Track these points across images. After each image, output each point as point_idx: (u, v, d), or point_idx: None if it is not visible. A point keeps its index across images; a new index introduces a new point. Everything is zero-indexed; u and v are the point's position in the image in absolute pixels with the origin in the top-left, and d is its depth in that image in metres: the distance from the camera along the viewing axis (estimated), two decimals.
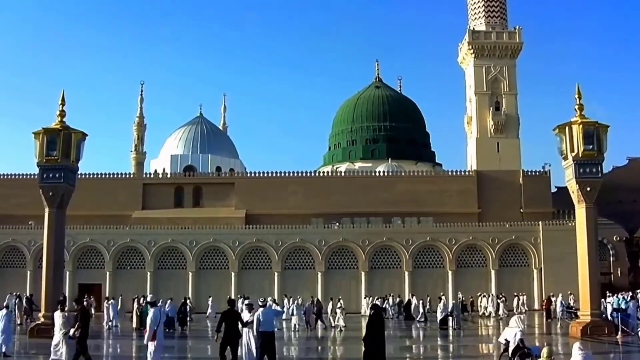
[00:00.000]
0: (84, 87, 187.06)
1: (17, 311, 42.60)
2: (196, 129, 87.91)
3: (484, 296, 53.59)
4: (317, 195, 67.49)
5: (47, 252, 31.65)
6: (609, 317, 34.67)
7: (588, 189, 31.89)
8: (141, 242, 60.16)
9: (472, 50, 79.91)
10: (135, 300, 42.06)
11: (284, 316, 41.71)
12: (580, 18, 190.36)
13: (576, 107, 32.94)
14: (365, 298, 52.68)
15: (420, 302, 47.77)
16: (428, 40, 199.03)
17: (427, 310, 46.77)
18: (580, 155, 31.93)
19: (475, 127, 79.10)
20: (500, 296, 52.10)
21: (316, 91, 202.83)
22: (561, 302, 47.14)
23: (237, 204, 68.24)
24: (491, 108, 78.59)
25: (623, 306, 36.72)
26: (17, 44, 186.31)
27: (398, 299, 52.79)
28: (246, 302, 21.80)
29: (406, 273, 59.48)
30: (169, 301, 40.27)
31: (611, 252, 74.93)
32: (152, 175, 78.24)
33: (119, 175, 71.35)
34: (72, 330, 19.48)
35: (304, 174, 71.56)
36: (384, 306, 49.20)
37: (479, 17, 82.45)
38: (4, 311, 24.45)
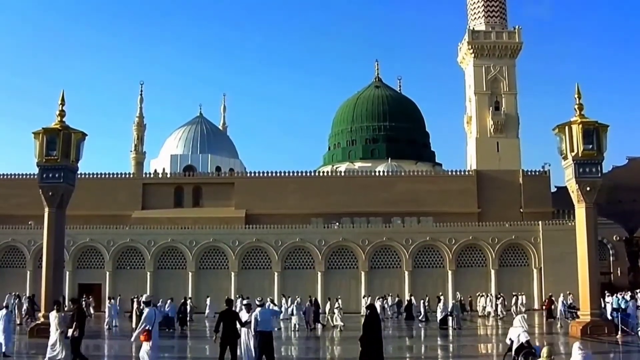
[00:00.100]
0: (84, 87, 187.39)
1: (16, 311, 42.62)
2: (196, 129, 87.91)
3: (481, 296, 53.60)
4: (317, 195, 67.49)
5: (47, 252, 31.65)
6: (609, 317, 34.68)
7: (588, 188, 31.91)
8: (141, 242, 60.16)
9: (471, 50, 79.96)
10: (135, 300, 42.05)
11: (281, 316, 41.73)
12: (579, 18, 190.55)
13: (576, 106, 32.95)
14: (364, 298, 52.69)
15: (421, 302, 47.77)
16: (428, 40, 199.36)
17: (427, 310, 46.72)
18: (580, 155, 31.95)
19: (475, 126, 79.15)
20: (499, 296, 52.06)
21: (316, 91, 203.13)
22: (563, 302, 47.11)
23: (237, 204, 68.23)
24: (491, 108, 78.66)
25: (623, 306, 36.74)
26: (17, 44, 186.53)
27: (397, 299, 52.80)
28: (245, 302, 21.84)
29: (406, 273, 59.48)
30: (169, 301, 40.29)
31: (611, 252, 74.98)
32: (151, 175, 78.24)
33: (119, 175, 71.36)
34: (70, 331, 19.46)
35: (304, 174, 71.56)
36: (383, 305, 49.28)
37: (479, 17, 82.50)
38: (4, 311, 24.45)
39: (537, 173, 70.08)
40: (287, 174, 70.10)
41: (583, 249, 32.11)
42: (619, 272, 73.15)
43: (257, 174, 71.34)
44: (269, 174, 70.41)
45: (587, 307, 31.62)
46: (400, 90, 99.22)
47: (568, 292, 47.84)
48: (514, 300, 49.75)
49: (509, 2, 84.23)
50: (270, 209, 66.22)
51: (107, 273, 59.66)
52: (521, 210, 67.78)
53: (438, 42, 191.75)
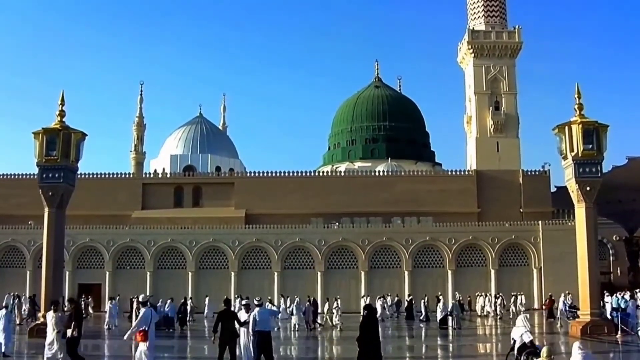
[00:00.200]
0: (84, 87, 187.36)
1: (16, 311, 42.63)
2: (196, 129, 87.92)
3: (480, 295, 53.53)
4: (317, 195, 67.47)
5: (47, 252, 31.64)
6: (608, 317, 34.68)
7: (588, 188, 31.91)
8: (141, 242, 60.16)
9: (471, 50, 79.97)
10: (135, 300, 42.01)
11: (280, 316, 41.72)
12: (579, 17, 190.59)
13: (576, 106, 32.95)
14: (363, 297, 52.66)
15: (422, 301, 47.78)
16: (428, 40, 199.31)
17: (428, 309, 46.68)
18: (579, 155, 31.95)
19: (475, 126, 79.16)
20: (498, 296, 52.05)
21: (316, 91, 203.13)
22: (564, 302, 47.03)
23: (236, 204, 68.23)
24: (491, 108, 78.67)
25: (623, 306, 36.73)
26: (17, 44, 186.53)
27: (396, 299, 52.77)
28: (244, 302, 21.86)
29: (406, 273, 59.48)
30: (168, 301, 40.33)
31: (611, 252, 75.02)
32: (151, 175, 78.22)
33: (119, 175, 71.35)
34: (69, 332, 19.46)
35: (304, 174, 71.54)
36: (383, 305, 49.26)
37: (479, 16, 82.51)
38: (4, 311, 24.46)
39: (537, 173, 70.08)
40: (287, 174, 70.10)
41: (583, 248, 32.11)
42: (618, 271, 73.19)
43: (257, 174, 71.35)
44: (269, 174, 70.42)
45: (587, 306, 31.63)
46: (400, 90, 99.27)
47: (567, 292, 47.81)
48: (512, 300, 49.73)
49: (509, 2, 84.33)
50: (270, 209, 66.22)
51: (107, 273, 59.66)
52: (521, 210, 67.78)
53: (438, 42, 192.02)
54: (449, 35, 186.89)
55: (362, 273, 59.50)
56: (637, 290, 50.01)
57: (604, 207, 51.28)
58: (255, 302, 20.61)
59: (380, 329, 38.44)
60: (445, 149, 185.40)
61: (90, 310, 48.43)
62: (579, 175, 31.92)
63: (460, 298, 44.83)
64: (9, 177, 69.07)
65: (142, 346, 17.87)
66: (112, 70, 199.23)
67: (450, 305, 40.37)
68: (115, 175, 70.59)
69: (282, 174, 70.11)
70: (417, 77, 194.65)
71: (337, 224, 62.34)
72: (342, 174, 75.13)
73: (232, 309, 24.51)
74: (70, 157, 31.95)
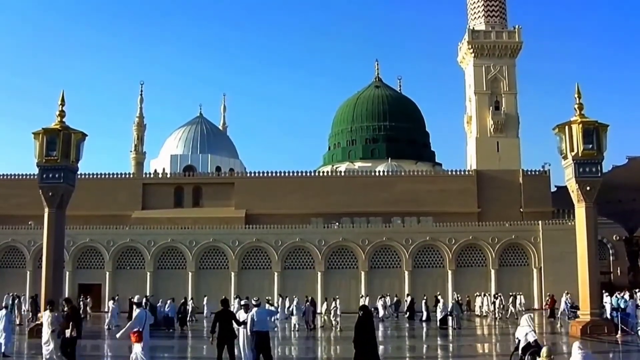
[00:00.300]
0: (84, 87, 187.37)
1: (16, 311, 42.62)
2: (196, 129, 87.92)
3: (477, 295, 53.42)
4: (317, 195, 67.47)
5: (47, 252, 31.64)
6: (608, 317, 34.69)
7: (588, 188, 31.91)
8: (141, 242, 60.16)
9: (471, 50, 79.97)
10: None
11: (278, 316, 41.72)
12: (579, 17, 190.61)
13: (576, 106, 32.94)
14: (361, 297, 52.67)
15: (423, 301, 47.79)
16: (428, 40, 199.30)
17: (428, 309, 46.64)
18: (580, 155, 31.95)
19: (475, 126, 79.16)
20: (496, 295, 52.02)
21: (316, 91, 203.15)
22: (566, 302, 47.05)
23: (236, 204, 68.23)
24: (491, 107, 78.67)
25: (622, 306, 36.75)
26: (17, 44, 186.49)
27: (395, 299, 52.73)
28: (242, 302, 21.90)
29: (406, 273, 59.47)
30: (169, 301, 40.33)
31: (611, 252, 75.01)
32: (151, 175, 78.21)
33: (119, 175, 71.36)
34: (67, 332, 19.46)
35: (304, 174, 71.55)
36: (384, 305, 49.30)
37: (479, 16, 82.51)
38: (4, 311, 24.48)
39: (537, 173, 70.09)
40: (287, 174, 70.10)
41: (583, 248, 32.12)
42: (618, 271, 73.19)
43: (257, 174, 71.35)
44: (269, 174, 70.42)
45: (587, 306, 31.63)
46: (400, 90, 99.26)
47: (566, 292, 47.89)
48: (510, 300, 49.74)
49: (509, 2, 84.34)
50: (270, 209, 66.22)
51: (107, 273, 59.66)
52: (521, 210, 67.78)
53: (438, 42, 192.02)
54: (449, 35, 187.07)
55: (362, 273, 59.50)
56: (637, 290, 50.08)
57: (604, 207, 51.29)
58: (253, 302, 20.63)
59: (380, 329, 38.59)
60: (445, 149, 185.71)
61: (89, 311, 48.34)
62: (579, 175, 31.93)
63: (459, 298, 44.76)
64: (8, 177, 69.10)
65: (137, 347, 17.90)
66: (112, 70, 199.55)
67: (450, 305, 40.36)
68: (115, 176, 70.63)
69: (282, 174, 70.13)
70: (417, 77, 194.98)
71: (337, 224, 62.34)
72: (342, 173, 75.16)
73: (231, 309, 24.50)
74: (71, 157, 31.95)
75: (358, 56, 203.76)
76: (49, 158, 31.62)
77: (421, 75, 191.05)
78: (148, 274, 59.41)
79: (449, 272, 59.47)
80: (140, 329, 17.85)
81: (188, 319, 42.38)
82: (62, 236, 33.05)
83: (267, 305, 37.39)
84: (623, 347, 28.12)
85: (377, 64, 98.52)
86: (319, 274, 59.37)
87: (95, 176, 68.43)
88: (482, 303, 51.24)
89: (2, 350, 23.38)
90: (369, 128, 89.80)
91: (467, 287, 57.07)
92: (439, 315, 40.43)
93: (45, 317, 21.16)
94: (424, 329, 40.63)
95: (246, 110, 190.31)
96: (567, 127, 32.49)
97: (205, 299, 51.93)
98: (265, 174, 70.54)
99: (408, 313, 49.16)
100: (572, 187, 32.49)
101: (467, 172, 72.59)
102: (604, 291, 45.57)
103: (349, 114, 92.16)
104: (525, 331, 18.65)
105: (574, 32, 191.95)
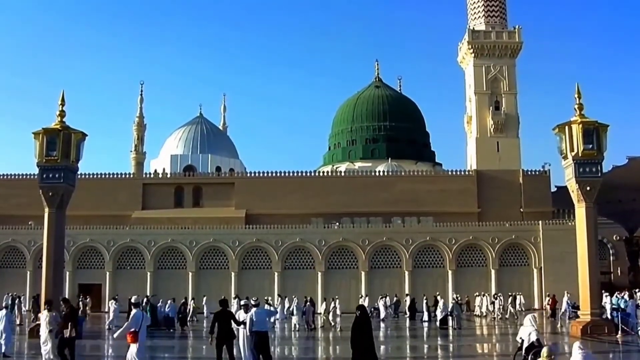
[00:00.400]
0: (84, 87, 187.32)
1: (16, 311, 42.61)
2: (196, 129, 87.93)
3: (477, 295, 53.32)
4: (317, 195, 67.47)
5: (47, 253, 31.62)
6: (608, 317, 34.69)
7: (588, 188, 31.89)
8: (141, 242, 60.16)
9: (471, 50, 79.95)
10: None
11: (278, 316, 41.72)
12: (579, 17, 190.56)
13: (576, 106, 32.92)
14: (360, 297, 52.65)
15: (424, 302, 47.77)
16: (428, 40, 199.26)
17: (430, 309, 46.57)
18: (580, 155, 31.92)
19: (475, 126, 79.14)
20: (495, 296, 52.01)
21: (316, 91, 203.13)
22: (567, 302, 46.99)
23: (237, 204, 68.23)
24: (491, 107, 78.63)
25: (622, 306, 36.74)
26: (17, 44, 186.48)
27: (395, 299, 52.70)
28: (242, 302, 21.91)
29: (406, 273, 59.47)
30: (169, 301, 40.33)
31: (611, 252, 75.00)
32: (152, 175, 78.17)
33: (119, 175, 71.35)
34: (66, 332, 19.46)
35: (304, 174, 71.56)
36: (385, 305, 49.32)
37: (479, 16, 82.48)
38: (4, 311, 24.47)
39: (537, 173, 70.10)
40: (287, 174, 70.11)
41: (583, 248, 32.11)
42: (619, 271, 73.18)
43: (257, 174, 71.35)
44: (269, 174, 70.42)
45: (587, 306, 31.62)
46: (400, 90, 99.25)
47: (566, 292, 47.88)
48: (510, 300, 49.72)
49: (509, 2, 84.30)
50: (270, 209, 66.22)
51: (107, 273, 59.66)
52: (521, 210, 67.77)
53: (438, 42, 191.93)
54: (449, 35, 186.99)
55: (363, 273, 59.50)
56: (637, 290, 50.06)
57: (604, 207, 51.26)
58: (252, 303, 20.63)
59: (381, 329, 38.59)
60: (445, 149, 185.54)
61: (88, 311, 48.22)
62: (579, 175, 31.91)
63: (459, 298, 44.70)
64: (8, 177, 69.08)
65: (133, 348, 17.89)
66: (112, 70, 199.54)
67: (450, 305, 40.35)
68: (115, 176, 70.63)
69: (282, 174, 70.15)
70: (417, 77, 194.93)
71: (337, 224, 62.35)
72: (342, 173, 75.17)
73: (230, 309, 24.51)
74: (71, 157, 31.90)
75: (358, 56, 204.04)
76: (49, 158, 31.58)
77: (421, 75, 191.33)
78: (148, 274, 59.42)
79: (449, 272, 59.47)
80: (137, 330, 17.84)
81: (189, 319, 42.36)
82: (62, 236, 33.02)
83: (265, 306, 37.37)
84: (623, 347, 28.11)
85: (377, 64, 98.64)
86: (319, 274, 59.37)
87: (95, 176, 68.44)
88: (482, 303, 51.22)
89: (3, 351, 23.38)
90: (369, 128, 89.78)
91: (468, 287, 57.05)
92: (439, 316, 40.42)
93: (43, 316, 21.18)
94: (425, 329, 40.61)
95: (246, 110, 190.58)
96: (567, 127, 32.48)
97: (205, 299, 51.83)
98: (265, 174, 70.58)
99: (409, 313, 49.18)
100: (572, 187, 32.48)
101: (467, 172, 72.61)
102: (603, 291, 45.62)
103: (349, 114, 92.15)
104: (528, 331, 18.66)
105: (574, 32, 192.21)
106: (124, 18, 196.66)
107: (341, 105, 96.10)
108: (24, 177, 65.93)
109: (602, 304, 40.13)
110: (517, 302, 50.78)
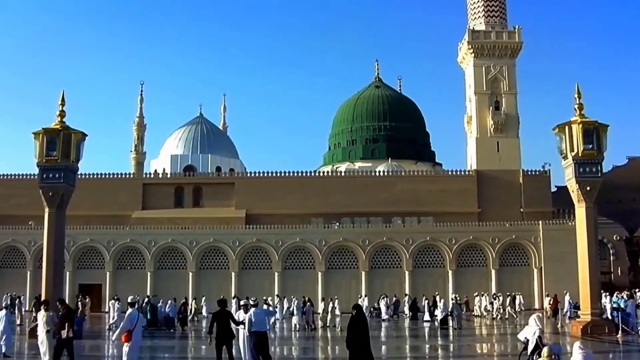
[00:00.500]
0: (84, 87, 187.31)
1: (16, 311, 42.61)
2: (196, 129, 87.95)
3: (476, 295, 53.22)
4: (317, 195, 67.45)
5: (47, 253, 31.62)
6: (609, 317, 34.70)
7: (588, 188, 31.87)
8: (141, 242, 60.16)
9: (471, 50, 79.95)
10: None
11: (278, 315, 41.75)
12: (579, 17, 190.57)
13: (576, 106, 32.91)
14: (360, 297, 52.62)
15: (426, 302, 47.76)
16: (428, 40, 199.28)
17: (430, 309, 46.53)
18: (580, 155, 31.91)
19: (475, 126, 79.14)
20: (495, 296, 52.00)
21: (316, 91, 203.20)
22: (569, 302, 46.97)
23: (237, 204, 68.23)
24: (491, 107, 78.63)
25: (622, 305, 36.75)
26: (17, 44, 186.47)
27: (395, 299, 52.66)
28: (242, 302, 21.92)
29: (406, 273, 59.47)
30: (169, 301, 40.33)
31: (611, 252, 75.05)
32: (152, 175, 78.12)
33: (119, 175, 71.35)
34: (63, 333, 19.45)
35: (304, 173, 71.56)
36: (387, 305, 49.36)
37: (479, 16, 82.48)
38: (4, 312, 24.47)
39: (537, 172, 70.11)
40: (287, 174, 70.11)
41: (583, 248, 32.10)
42: (619, 271, 73.26)
43: (257, 174, 71.36)
44: (269, 174, 70.41)
45: (587, 306, 31.62)
46: (400, 90, 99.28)
47: (565, 292, 47.94)
48: (509, 300, 49.72)
49: (509, 2, 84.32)
50: (270, 209, 66.21)
51: (108, 273, 59.65)
52: (521, 210, 67.77)
53: (438, 42, 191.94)
54: (449, 35, 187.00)
55: (363, 273, 59.50)
56: (637, 290, 50.07)
57: (604, 207, 51.29)
58: (251, 303, 20.64)
59: (382, 329, 38.59)
60: (445, 149, 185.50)
61: (87, 311, 48.08)
62: (579, 175, 31.89)
63: (458, 298, 44.59)
64: (9, 177, 69.05)
65: (125, 347, 17.89)
66: (112, 70, 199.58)
67: (450, 305, 40.35)
68: (115, 175, 70.62)
69: (282, 174, 70.14)
70: (417, 77, 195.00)
71: (337, 224, 62.35)
72: (343, 173, 75.18)
73: (228, 309, 24.49)
74: (71, 157, 31.89)
75: (358, 56, 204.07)
76: (49, 158, 31.56)
77: (421, 75, 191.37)
78: (148, 274, 59.42)
79: (450, 272, 59.48)
80: (131, 329, 17.82)
81: (190, 319, 42.35)
82: (63, 236, 33.02)
83: (264, 306, 37.40)
84: (624, 347, 28.11)
85: (377, 64, 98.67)
86: (320, 274, 59.37)
87: (95, 176, 68.46)
88: (481, 303, 51.22)
89: (3, 351, 23.39)
90: (369, 128, 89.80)
91: (468, 287, 57.04)
92: (439, 316, 40.43)
93: (40, 316, 21.19)
94: (426, 329, 40.61)
95: (246, 111, 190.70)
96: (567, 127, 32.46)
97: (204, 299, 51.80)
98: (265, 174, 70.58)
99: (410, 313, 49.14)
100: (572, 187, 32.46)
101: (467, 172, 72.62)
102: (602, 291, 45.63)
103: (349, 114, 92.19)
104: (533, 330, 18.66)
105: (573, 32, 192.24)
106: (124, 18, 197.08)
107: (341, 105, 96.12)
108: (25, 176, 65.96)
109: (605, 303, 40.27)
110: (517, 302, 50.78)
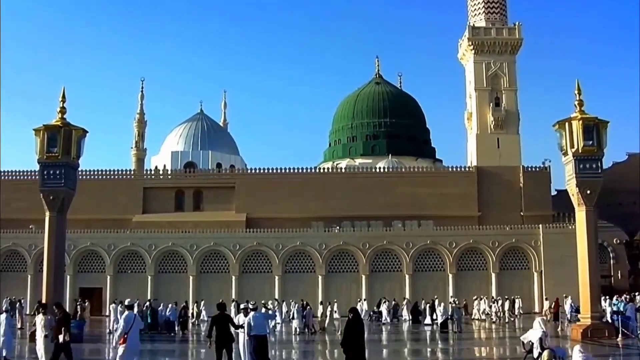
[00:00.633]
0: (85, 83, 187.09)
1: (17, 315, 42.64)
2: (197, 126, 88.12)
3: (475, 299, 53.11)
4: (318, 199, 67.38)
5: (48, 256, 31.62)
6: (608, 320, 34.71)
7: (588, 192, 31.82)
8: (142, 245, 60.21)
9: (472, 47, 79.67)
10: (136, 304, 41.97)
11: (278, 319, 41.74)
12: (580, 14, 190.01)
13: (576, 102, 32.84)
14: (359, 301, 52.65)
15: (427, 305, 47.75)
16: (428, 37, 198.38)
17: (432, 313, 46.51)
18: (580, 151, 31.75)
19: (476, 123, 78.82)
20: (494, 299, 51.97)
21: (316, 87, 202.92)
22: (571, 305, 46.95)
23: (237, 208, 68.26)
24: (491, 104, 78.35)
25: (622, 308, 36.76)
26: (17, 40, 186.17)
27: (394, 302, 52.60)
28: (242, 306, 21.92)
29: (407, 276, 59.50)
30: (170, 305, 40.38)
31: (611, 255, 74.81)
32: (152, 173, 77.10)
33: (120, 172, 71.07)
34: (60, 337, 19.47)
35: (304, 170, 71.52)
36: (389, 309, 49.39)
37: (479, 13, 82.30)
38: (4, 315, 24.50)
39: (537, 169, 69.97)
40: (287, 170, 70.03)
41: (583, 252, 32.08)
42: (619, 275, 73.03)
43: (257, 170, 71.26)
44: (270, 170, 70.11)
45: (587, 310, 31.62)
46: (400, 86, 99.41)
47: (565, 295, 47.92)
48: (507, 304, 49.68)
49: None
50: (271, 213, 66.20)
51: (108, 277, 59.69)
52: (521, 213, 67.75)
53: (438, 38, 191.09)
54: (450, 31, 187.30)
55: (363, 277, 59.54)
56: (637, 294, 50.05)
57: (604, 210, 51.22)
58: (250, 306, 20.66)
59: (383, 333, 38.58)
60: (446, 145, 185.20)
61: (86, 315, 47.96)
62: (579, 172, 31.71)
63: (457, 302, 44.50)
64: (9, 177, 68.65)
65: (120, 349, 17.91)
66: (112, 67, 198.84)
67: (449, 309, 40.38)
68: (116, 173, 70.38)
69: (283, 170, 70.00)
70: (417, 74, 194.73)
71: (337, 227, 62.36)
72: (343, 169, 74.88)
73: (227, 312, 24.52)
74: (72, 153, 31.68)
75: (358, 52, 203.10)
76: (49, 154, 31.41)
77: (421, 71, 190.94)
78: (149, 277, 59.47)
79: (450, 275, 59.51)
80: (127, 331, 17.85)
81: (192, 322, 42.37)
82: (63, 240, 33.01)
83: (262, 309, 37.43)
84: (624, 351, 28.11)
85: (378, 61, 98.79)
86: (320, 277, 59.40)
87: (96, 176, 68.43)
88: (480, 307, 51.22)
89: (4, 355, 23.42)
90: (369, 124, 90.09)
91: (468, 291, 57.03)
92: (439, 319, 40.46)
93: (38, 320, 21.22)
94: (426, 333, 40.60)
95: (247, 107, 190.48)
96: (567, 123, 32.33)
97: (203, 303, 51.79)
98: (266, 170, 70.28)
99: (411, 317, 49.10)
100: (573, 190, 32.41)
101: (467, 169, 72.36)
102: (600, 295, 45.58)
103: (350, 111, 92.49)
104: (538, 334, 18.72)
105: (574, 28, 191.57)
106: (124, 15, 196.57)
107: (341, 102, 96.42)
108: (26, 174, 65.99)
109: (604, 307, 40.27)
110: (516, 306, 50.78)
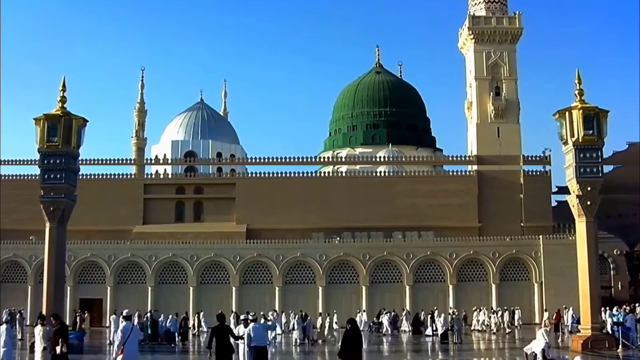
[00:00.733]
0: (85, 73, 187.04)
1: (17, 326, 42.60)
2: (197, 115, 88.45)
3: (474, 310, 52.97)
4: (318, 210, 67.15)
5: (48, 267, 31.65)
6: (609, 331, 34.70)
7: (589, 188, 31.80)
8: (142, 256, 60.19)
9: (472, 36, 79.37)
10: (136, 315, 41.99)
11: (278, 330, 41.71)
12: (580, 3, 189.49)
13: (576, 92, 32.86)
14: (358, 312, 52.54)
15: (428, 316, 47.69)
16: (428, 26, 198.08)
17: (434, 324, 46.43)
18: (580, 140, 31.74)
19: (476, 112, 78.41)
20: (493, 310, 51.87)
21: (317, 77, 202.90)
22: (572, 315, 46.88)
23: (237, 219, 68.20)
24: (491, 93, 78.00)
25: (622, 320, 36.75)
26: (18, 29, 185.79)
27: (393, 313, 52.53)
28: (242, 317, 21.94)
29: (407, 287, 59.44)
30: (170, 316, 40.36)
31: (612, 266, 74.90)
32: (153, 175, 77.19)
33: (121, 177, 70.84)
34: (58, 348, 19.48)
35: (305, 175, 71.58)
36: (390, 320, 49.32)
37: (479, 2, 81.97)
38: (4, 326, 24.51)
39: (537, 173, 69.41)
40: (287, 175, 70.03)
41: (584, 263, 32.11)
42: (619, 286, 73.08)
43: (257, 170, 71.28)
44: (270, 174, 69.87)
45: (587, 321, 31.61)
46: (401, 75, 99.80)
47: (564, 307, 47.85)
48: (507, 315, 49.51)
49: None
50: (271, 224, 66.10)
51: (109, 288, 59.64)
52: (522, 224, 67.61)
53: (439, 27, 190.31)
54: (450, 21, 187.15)
55: (363, 288, 59.47)
56: (637, 305, 49.99)
57: (605, 221, 51.34)
58: (250, 318, 20.66)
59: (384, 344, 38.54)
60: (446, 134, 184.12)
61: (85, 326, 47.79)
62: (579, 160, 31.77)
63: (456, 312, 44.42)
64: (11, 178, 68.44)
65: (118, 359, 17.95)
66: (113, 56, 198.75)
67: (450, 320, 40.35)
68: (116, 177, 70.18)
69: (283, 175, 69.96)
70: (417, 63, 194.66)
71: (338, 238, 62.34)
72: (344, 174, 74.47)
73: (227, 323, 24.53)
74: (72, 143, 31.64)
75: (359, 42, 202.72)
76: (50, 144, 31.39)
77: (422, 61, 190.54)
78: (149, 288, 59.42)
79: (450, 286, 59.42)
80: (124, 342, 17.88)
81: (193, 333, 42.31)
82: (63, 251, 33.06)
83: (262, 320, 37.41)
84: None
85: (378, 50, 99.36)
86: (320, 288, 59.34)
87: (97, 177, 68.37)
88: (479, 318, 51.16)
89: None
90: (369, 114, 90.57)
91: (468, 302, 56.96)
92: (439, 330, 40.44)
93: (37, 331, 21.26)
94: (427, 344, 40.55)
95: (247, 96, 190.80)
96: (567, 112, 32.34)
97: (202, 314, 51.71)
98: (266, 174, 69.96)
99: (412, 328, 49.02)
100: (573, 201, 32.44)
101: (468, 173, 71.83)
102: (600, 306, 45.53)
103: (350, 100, 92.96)
104: (541, 345, 18.78)
105: (574, 17, 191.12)
106: (125, 3, 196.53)
107: (342, 91, 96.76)
108: (26, 178, 65.93)
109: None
110: (516, 316, 50.71)
